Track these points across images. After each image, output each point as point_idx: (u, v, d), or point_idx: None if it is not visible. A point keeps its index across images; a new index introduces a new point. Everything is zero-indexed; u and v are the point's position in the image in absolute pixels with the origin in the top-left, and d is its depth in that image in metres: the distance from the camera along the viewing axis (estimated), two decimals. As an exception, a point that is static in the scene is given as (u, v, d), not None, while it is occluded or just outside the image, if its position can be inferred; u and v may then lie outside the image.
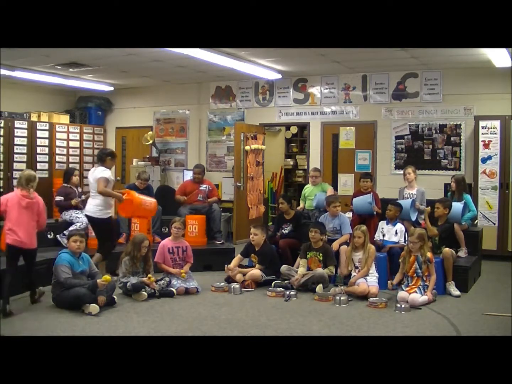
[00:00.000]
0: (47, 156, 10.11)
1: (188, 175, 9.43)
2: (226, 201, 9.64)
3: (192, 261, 6.24)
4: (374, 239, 6.47)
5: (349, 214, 7.26)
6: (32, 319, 4.87)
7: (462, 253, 6.46)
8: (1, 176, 9.39)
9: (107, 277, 5.28)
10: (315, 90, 9.59)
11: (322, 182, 7.98)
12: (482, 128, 7.89)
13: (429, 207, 6.58)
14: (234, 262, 6.45)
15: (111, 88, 10.69)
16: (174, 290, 5.77)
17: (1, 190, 9.27)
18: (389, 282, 5.80)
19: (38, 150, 9.98)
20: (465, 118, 8.44)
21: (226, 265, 6.34)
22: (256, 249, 6.42)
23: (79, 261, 5.34)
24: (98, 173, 6.16)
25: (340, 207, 6.89)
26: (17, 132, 9.65)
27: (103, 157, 6.33)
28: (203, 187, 8.30)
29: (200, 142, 10.65)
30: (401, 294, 5.48)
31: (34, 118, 10.08)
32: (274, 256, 6.50)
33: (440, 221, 6.32)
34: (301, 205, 7.94)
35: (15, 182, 9.50)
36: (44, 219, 5.47)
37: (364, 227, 6.06)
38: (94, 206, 6.20)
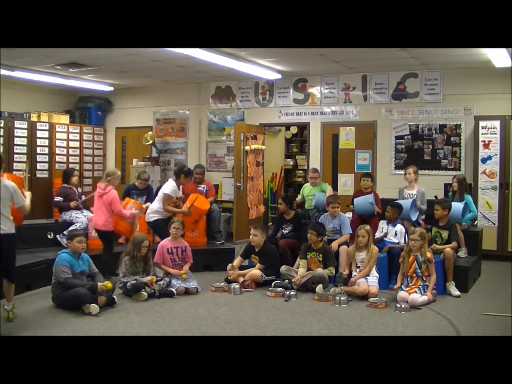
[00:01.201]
0: (47, 156, 10.10)
1: (188, 175, 9.41)
2: (226, 201, 9.63)
3: (191, 261, 6.24)
4: (375, 237, 6.46)
5: (349, 214, 7.25)
6: (32, 319, 4.87)
7: (462, 253, 6.46)
8: (1, 176, 9.37)
9: (109, 284, 5.29)
10: (315, 90, 9.59)
11: (322, 182, 7.98)
12: (482, 128, 7.88)
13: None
14: (235, 264, 6.44)
15: (111, 88, 10.68)
16: (174, 290, 5.77)
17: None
18: (395, 287, 5.76)
19: (38, 150, 9.96)
20: (465, 118, 8.44)
21: (229, 265, 6.36)
22: (257, 250, 6.42)
23: (79, 261, 5.34)
24: (165, 187, 6.73)
25: (339, 208, 6.88)
26: (17, 132, 9.64)
27: (178, 174, 6.82)
28: (201, 187, 8.29)
29: (200, 142, 10.65)
30: (401, 294, 5.48)
31: (34, 118, 10.06)
32: (275, 256, 6.49)
33: (442, 222, 6.32)
34: (299, 197, 7.99)
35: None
36: (116, 209, 6.12)
37: (368, 227, 6.04)
38: (149, 209, 6.82)
